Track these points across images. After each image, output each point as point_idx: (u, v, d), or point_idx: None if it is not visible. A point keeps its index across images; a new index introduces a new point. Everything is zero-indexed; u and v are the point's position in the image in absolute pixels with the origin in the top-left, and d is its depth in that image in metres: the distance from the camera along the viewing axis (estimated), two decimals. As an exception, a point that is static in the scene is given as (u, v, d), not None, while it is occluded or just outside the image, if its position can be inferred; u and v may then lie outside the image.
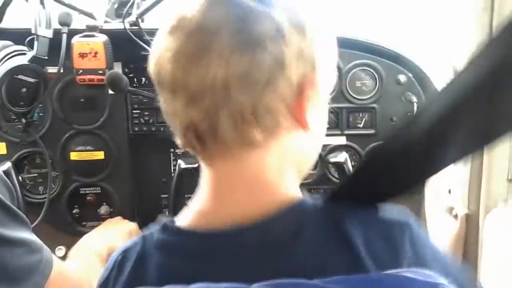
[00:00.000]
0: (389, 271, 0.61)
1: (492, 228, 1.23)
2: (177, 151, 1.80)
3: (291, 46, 0.67)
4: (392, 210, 0.72)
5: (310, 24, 0.71)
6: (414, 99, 1.72)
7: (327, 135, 1.70)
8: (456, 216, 1.35)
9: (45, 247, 1.13)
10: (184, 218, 0.75)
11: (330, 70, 0.78)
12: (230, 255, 0.69)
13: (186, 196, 1.72)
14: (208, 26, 0.66)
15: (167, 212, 1.77)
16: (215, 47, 0.65)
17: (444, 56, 1.55)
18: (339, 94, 1.75)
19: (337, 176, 1.75)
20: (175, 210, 1.52)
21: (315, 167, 1.80)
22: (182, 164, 1.50)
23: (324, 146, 1.78)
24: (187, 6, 0.69)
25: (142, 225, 1.80)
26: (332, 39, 0.78)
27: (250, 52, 0.65)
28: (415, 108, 1.71)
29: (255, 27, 0.65)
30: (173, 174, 1.75)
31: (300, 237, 0.67)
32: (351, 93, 1.76)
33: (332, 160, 1.54)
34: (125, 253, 0.76)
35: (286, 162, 0.74)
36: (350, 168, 1.52)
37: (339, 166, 1.52)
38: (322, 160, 1.76)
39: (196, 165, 1.51)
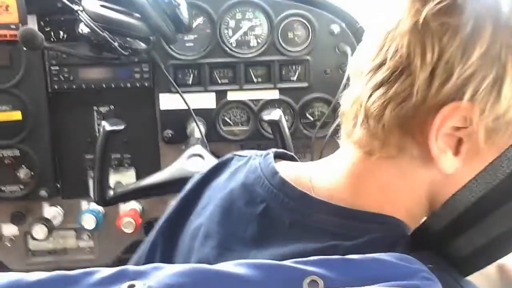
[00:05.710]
0: (368, 255, 0.58)
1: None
2: (100, 109, 1.70)
3: None
4: None
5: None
6: (348, 50, 1.65)
7: (259, 89, 1.68)
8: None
9: None
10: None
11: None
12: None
13: (112, 156, 1.66)
14: None
15: (92, 175, 1.67)
16: None
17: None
18: (270, 46, 1.68)
19: (270, 131, 1.68)
20: (102, 174, 1.45)
21: (248, 122, 1.73)
22: (106, 126, 1.41)
23: (256, 101, 1.71)
24: None
25: (64, 187, 1.73)
26: None
27: None
28: (349, 60, 1.64)
29: None
30: (97, 134, 1.67)
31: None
32: (283, 45, 1.68)
33: (266, 118, 1.47)
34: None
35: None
36: (285, 125, 1.45)
37: (274, 124, 1.45)
38: (255, 116, 1.70)
39: (122, 127, 1.43)
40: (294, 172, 0.74)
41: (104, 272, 0.56)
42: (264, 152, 0.82)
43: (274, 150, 0.81)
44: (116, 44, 1.37)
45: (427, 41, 0.59)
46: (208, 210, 0.81)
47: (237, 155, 0.88)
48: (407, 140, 0.63)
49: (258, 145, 1.77)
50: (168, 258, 0.85)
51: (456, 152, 0.62)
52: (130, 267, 0.57)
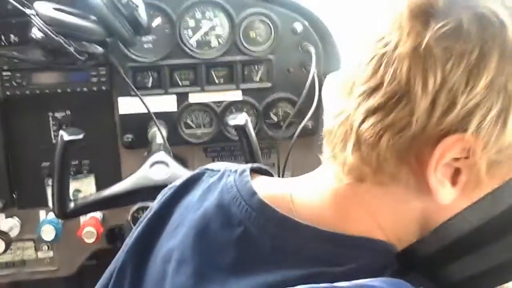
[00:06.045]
0: (357, 281, 0.56)
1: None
2: (56, 114, 1.62)
3: None
4: None
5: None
6: (312, 49, 1.62)
7: (221, 90, 1.64)
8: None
9: None
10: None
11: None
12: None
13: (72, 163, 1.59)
14: None
15: (50, 183, 1.60)
16: None
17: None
18: (232, 46, 1.63)
19: (234, 133, 1.64)
20: (61, 186, 1.37)
21: (211, 125, 1.69)
22: (65, 136, 1.33)
23: (219, 102, 1.66)
24: None
25: (21, 197, 1.66)
26: None
27: None
28: (313, 59, 1.60)
29: None
30: (53, 141, 1.60)
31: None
32: (245, 45, 1.64)
33: (232, 123, 1.41)
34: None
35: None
36: (251, 130, 1.40)
37: (240, 129, 1.39)
38: (218, 118, 1.66)
39: (81, 137, 1.34)
40: (274, 191, 0.71)
41: None
42: (238, 168, 0.77)
43: (249, 166, 0.77)
44: (71, 48, 1.29)
45: (428, 67, 0.55)
46: (181, 232, 0.76)
47: (209, 169, 0.84)
48: (403, 169, 0.60)
49: (221, 147, 1.73)
50: (138, 281, 0.81)
51: (454, 182, 0.59)
52: None
